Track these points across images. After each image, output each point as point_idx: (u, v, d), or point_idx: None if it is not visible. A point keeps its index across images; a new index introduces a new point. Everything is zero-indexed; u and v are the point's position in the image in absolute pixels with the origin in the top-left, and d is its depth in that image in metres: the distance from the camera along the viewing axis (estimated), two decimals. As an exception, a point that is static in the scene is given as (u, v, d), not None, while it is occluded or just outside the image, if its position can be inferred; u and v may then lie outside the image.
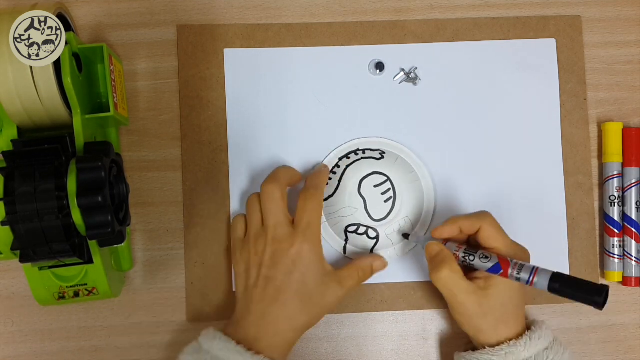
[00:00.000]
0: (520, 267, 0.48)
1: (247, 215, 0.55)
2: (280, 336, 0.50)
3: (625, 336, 0.59)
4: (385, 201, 0.57)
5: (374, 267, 0.55)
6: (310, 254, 0.51)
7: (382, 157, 0.57)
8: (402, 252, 0.58)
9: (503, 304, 0.51)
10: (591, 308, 0.59)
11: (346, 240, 0.57)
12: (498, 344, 0.50)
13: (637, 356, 0.59)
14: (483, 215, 0.52)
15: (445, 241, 0.53)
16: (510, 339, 0.51)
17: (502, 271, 0.49)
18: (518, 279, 0.48)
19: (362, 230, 0.57)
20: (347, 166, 0.57)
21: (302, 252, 0.51)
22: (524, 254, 0.53)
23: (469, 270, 0.52)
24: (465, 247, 0.52)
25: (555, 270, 0.48)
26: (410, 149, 0.58)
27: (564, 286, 0.46)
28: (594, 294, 0.44)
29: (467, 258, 0.51)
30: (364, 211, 0.57)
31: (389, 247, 0.57)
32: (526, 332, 0.51)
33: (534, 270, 0.48)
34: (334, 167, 0.58)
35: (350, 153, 0.58)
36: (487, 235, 0.51)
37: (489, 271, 0.50)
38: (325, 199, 0.57)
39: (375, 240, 0.57)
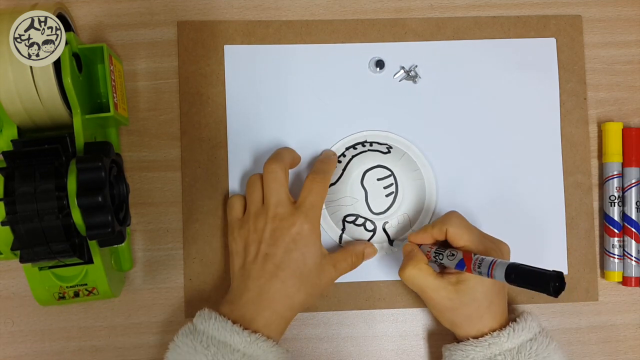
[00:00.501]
0: (480, 262, 0.48)
1: (248, 194, 0.55)
2: (278, 314, 0.51)
3: (625, 336, 0.59)
4: (387, 195, 0.57)
5: (365, 254, 0.56)
6: (311, 234, 0.52)
7: (389, 152, 0.57)
8: (396, 247, 0.58)
9: (475, 298, 0.51)
10: (591, 308, 0.59)
11: (343, 229, 0.57)
12: (480, 335, 0.51)
13: (637, 356, 0.59)
14: (447, 217, 0.53)
15: (419, 245, 0.54)
16: (494, 330, 0.51)
17: (465, 267, 0.49)
18: (480, 273, 0.48)
19: (360, 221, 0.57)
20: (353, 156, 0.57)
21: (303, 231, 0.51)
22: (498, 247, 0.53)
23: (445, 267, 0.53)
24: (437, 247, 0.53)
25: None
26: (418, 147, 0.58)
27: (519, 276, 0.45)
28: (547, 282, 0.43)
29: (437, 257, 0.52)
30: (364, 203, 0.57)
31: (384, 242, 0.58)
32: (510, 324, 0.51)
33: (492, 263, 0.47)
34: (340, 156, 0.58)
35: (357, 144, 0.58)
36: (453, 235, 0.52)
37: (456, 268, 0.50)
38: (330, 185, 0.57)
39: (372, 233, 0.57)
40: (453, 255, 0.51)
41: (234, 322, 0.49)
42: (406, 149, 0.58)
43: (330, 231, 0.58)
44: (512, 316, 0.53)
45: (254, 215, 0.53)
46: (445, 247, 0.52)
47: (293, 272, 0.51)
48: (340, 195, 0.57)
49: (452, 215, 0.53)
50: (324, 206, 0.57)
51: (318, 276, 0.52)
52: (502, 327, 0.51)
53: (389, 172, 0.57)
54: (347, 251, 0.55)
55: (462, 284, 0.51)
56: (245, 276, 0.52)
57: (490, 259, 0.48)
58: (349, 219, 0.57)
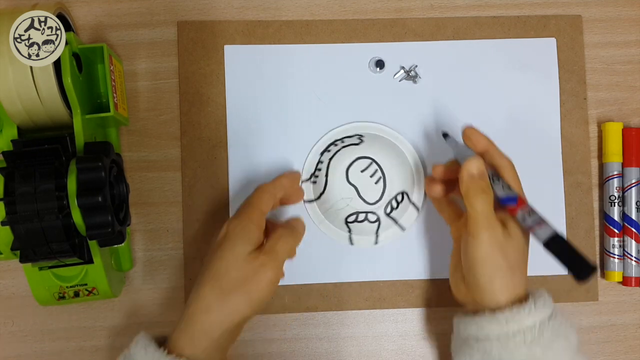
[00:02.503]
0: (531, 211, 0.47)
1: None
2: (197, 325, 0.45)
3: (625, 336, 0.59)
4: (376, 182, 0.57)
5: (295, 229, 0.51)
6: (235, 238, 0.47)
7: (362, 141, 0.57)
8: (406, 226, 0.58)
9: (518, 249, 0.47)
10: (591, 308, 0.59)
11: (349, 231, 0.57)
12: (498, 308, 0.46)
13: (637, 356, 0.59)
14: (509, 159, 0.50)
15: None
16: (512, 304, 0.46)
17: (516, 204, 0.47)
18: (524, 220, 0.46)
19: (361, 217, 0.57)
20: (330, 159, 0.57)
21: (228, 234, 0.47)
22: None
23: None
24: (493, 172, 0.49)
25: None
26: (384, 124, 0.58)
27: (559, 246, 0.45)
28: (582, 267, 0.43)
29: (493, 179, 0.48)
30: (358, 198, 0.57)
31: (392, 226, 0.58)
32: (530, 298, 0.47)
33: (541, 220, 0.46)
34: (317, 164, 0.58)
35: (329, 145, 0.58)
36: (510, 176, 0.49)
37: (504, 200, 0.47)
38: (317, 198, 0.57)
39: (377, 223, 0.57)
40: (509, 188, 0.48)
41: (164, 345, 0.46)
42: (376, 131, 0.58)
43: (338, 237, 0.58)
44: (527, 293, 0.49)
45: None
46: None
47: (207, 271, 0.47)
48: (334, 201, 0.57)
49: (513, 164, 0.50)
50: (324, 218, 0.57)
51: (241, 271, 0.46)
52: (520, 299, 0.47)
53: (370, 160, 0.57)
54: (271, 243, 0.48)
55: (508, 229, 0.47)
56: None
57: (540, 218, 0.46)
58: (350, 218, 0.57)
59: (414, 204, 0.58)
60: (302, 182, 0.58)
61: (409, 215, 0.58)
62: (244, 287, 0.46)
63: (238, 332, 0.48)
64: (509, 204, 0.48)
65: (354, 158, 0.57)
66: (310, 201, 0.58)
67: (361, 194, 0.57)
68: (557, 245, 0.45)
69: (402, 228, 0.58)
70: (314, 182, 0.57)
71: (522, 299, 0.47)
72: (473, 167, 0.48)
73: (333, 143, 0.58)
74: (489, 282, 0.47)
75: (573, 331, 0.47)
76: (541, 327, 0.45)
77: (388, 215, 0.57)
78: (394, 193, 0.57)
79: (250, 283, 0.46)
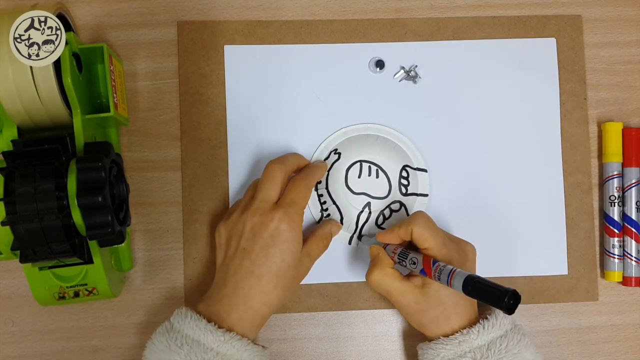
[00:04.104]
0: (440, 271, 0.49)
1: (247, 190, 0.55)
2: (253, 310, 0.50)
3: (625, 336, 0.59)
4: (377, 177, 0.58)
5: (332, 233, 0.56)
6: (289, 231, 0.51)
7: (340, 153, 0.58)
8: (427, 192, 0.58)
9: (440, 301, 0.51)
10: (591, 308, 0.59)
11: (383, 221, 0.58)
12: (451, 334, 0.51)
13: (637, 356, 0.59)
14: (413, 218, 0.52)
15: (386, 245, 0.54)
16: (464, 328, 0.51)
17: (427, 274, 0.50)
18: (440, 281, 0.49)
19: (387, 213, 0.58)
20: (327, 188, 0.58)
21: (280, 228, 0.50)
22: (464, 249, 0.54)
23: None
24: (401, 250, 0.53)
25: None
26: (368, 122, 0.59)
27: (475, 289, 0.46)
28: (501, 298, 0.44)
29: (401, 261, 0.53)
30: (373, 199, 0.58)
31: (415, 200, 0.58)
32: (480, 321, 0.51)
33: (452, 272, 0.48)
34: (319, 198, 0.58)
35: (324, 160, 0.58)
36: (418, 237, 0.51)
37: (420, 273, 0.51)
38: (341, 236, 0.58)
39: (403, 208, 0.58)
40: (414, 262, 0.51)
41: (209, 320, 0.49)
42: (344, 136, 0.58)
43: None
44: (486, 313, 0.53)
45: (241, 209, 0.53)
46: (411, 249, 0.53)
47: (269, 269, 0.50)
48: (355, 218, 0.58)
49: (418, 216, 0.52)
50: (355, 239, 0.58)
51: (296, 271, 0.52)
52: (473, 324, 0.52)
53: (358, 163, 0.58)
54: (316, 236, 0.54)
55: (427, 287, 0.51)
56: (224, 271, 0.51)
57: (450, 268, 0.48)
58: (379, 221, 0.58)
59: (419, 169, 0.58)
60: (317, 221, 0.58)
61: (422, 180, 0.58)
62: (296, 274, 0.52)
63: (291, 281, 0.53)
64: (424, 275, 0.51)
65: (344, 172, 0.58)
66: None
67: (372, 194, 0.57)
68: (473, 287, 0.46)
69: (425, 195, 0.58)
70: (329, 216, 0.58)
71: (474, 323, 0.52)
72: (372, 252, 0.55)
73: (328, 156, 0.58)
74: (427, 329, 0.53)
75: (529, 349, 0.52)
76: (489, 346, 0.50)
77: (406, 194, 0.58)
78: (397, 173, 0.58)
79: (298, 272, 0.52)
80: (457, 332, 0.51)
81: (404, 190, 0.58)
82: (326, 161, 0.58)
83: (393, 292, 0.52)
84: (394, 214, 0.58)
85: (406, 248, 0.53)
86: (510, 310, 0.44)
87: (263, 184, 0.52)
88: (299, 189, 0.53)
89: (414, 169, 0.58)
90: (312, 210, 0.58)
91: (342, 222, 0.58)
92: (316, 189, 0.58)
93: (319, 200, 0.58)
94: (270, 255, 0.50)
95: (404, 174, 0.58)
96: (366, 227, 0.58)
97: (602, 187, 0.60)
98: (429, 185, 0.58)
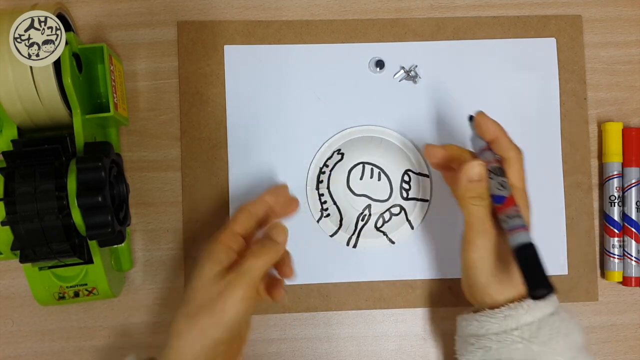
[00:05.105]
0: (513, 216, 0.45)
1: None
2: (176, 357, 0.45)
3: (625, 336, 0.59)
4: (379, 180, 0.58)
5: (270, 243, 0.48)
6: (201, 263, 0.47)
7: (343, 154, 0.58)
8: (428, 197, 0.58)
9: (502, 258, 0.47)
10: (591, 308, 0.59)
11: (385, 234, 0.58)
12: (496, 306, 0.47)
13: (637, 356, 0.59)
14: (518, 150, 0.49)
15: (488, 148, 0.50)
16: (512, 301, 0.47)
17: (502, 205, 0.46)
18: (504, 222, 0.46)
19: (387, 216, 0.58)
20: (328, 187, 0.58)
21: (197, 264, 0.47)
22: (527, 208, 0.49)
23: None
24: (497, 166, 0.48)
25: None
26: (355, 125, 0.59)
27: (522, 258, 0.43)
28: (539, 285, 0.42)
29: (493, 173, 0.48)
30: (374, 202, 0.58)
31: (416, 205, 0.58)
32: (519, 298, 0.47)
33: (520, 227, 0.45)
34: (320, 198, 0.58)
35: (319, 175, 0.58)
36: (514, 170, 0.48)
37: (493, 198, 0.47)
38: (340, 226, 0.58)
39: (402, 212, 0.58)
40: (502, 187, 0.47)
41: None
42: (348, 136, 0.58)
43: (379, 245, 0.58)
44: None
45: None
46: (502, 172, 0.48)
47: (182, 309, 0.46)
48: (355, 219, 0.58)
49: (522, 154, 0.49)
50: (361, 238, 0.58)
51: (211, 304, 0.44)
52: (521, 297, 0.47)
53: (360, 165, 0.58)
54: (241, 260, 0.46)
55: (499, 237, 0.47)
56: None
57: (521, 222, 0.45)
58: (379, 223, 0.58)
59: (421, 174, 0.58)
60: (317, 220, 0.58)
61: (423, 186, 0.58)
62: (210, 307, 0.44)
63: (220, 356, 0.46)
64: (497, 203, 0.47)
65: (346, 173, 0.58)
66: (335, 233, 0.58)
67: (373, 197, 0.57)
68: (524, 255, 0.43)
69: (425, 200, 0.58)
70: (328, 216, 0.58)
71: (523, 297, 0.47)
72: (473, 173, 0.47)
73: (321, 171, 0.58)
74: (485, 285, 0.47)
75: (577, 330, 0.47)
76: (540, 324, 0.45)
77: (407, 199, 0.58)
78: (399, 177, 0.58)
79: (216, 303, 0.44)
80: (502, 305, 0.47)
81: (404, 195, 0.58)
82: (327, 163, 0.58)
83: (476, 212, 0.47)
84: (393, 217, 0.58)
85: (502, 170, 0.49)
86: (534, 297, 0.42)
87: (232, 218, 0.49)
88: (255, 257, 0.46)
89: (416, 173, 0.58)
90: (312, 209, 0.58)
91: (341, 223, 0.58)
92: (317, 188, 0.58)
93: (320, 199, 0.58)
94: (188, 283, 0.46)
95: (406, 178, 0.58)
96: (365, 229, 0.58)
97: (602, 187, 0.60)
98: (430, 190, 0.58)
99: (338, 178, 0.58)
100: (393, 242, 0.58)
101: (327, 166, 0.58)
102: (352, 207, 0.58)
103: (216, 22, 0.59)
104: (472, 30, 0.60)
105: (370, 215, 0.58)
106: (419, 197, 0.58)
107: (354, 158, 0.58)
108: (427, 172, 0.58)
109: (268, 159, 0.58)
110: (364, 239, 0.58)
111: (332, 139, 0.58)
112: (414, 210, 0.58)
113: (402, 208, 0.58)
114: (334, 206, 0.57)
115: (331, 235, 0.58)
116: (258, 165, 0.58)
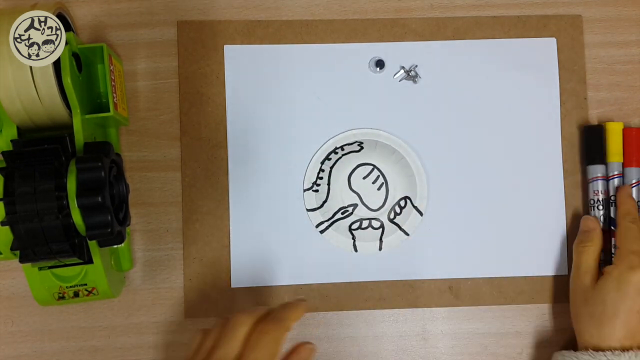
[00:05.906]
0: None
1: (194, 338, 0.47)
2: None
3: (625, 336, 0.59)
4: (378, 189, 0.57)
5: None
6: None
7: (362, 148, 0.57)
8: (411, 231, 0.58)
9: (603, 301, 0.50)
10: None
11: (353, 238, 0.57)
12: (600, 349, 0.49)
13: (637, 356, 0.59)
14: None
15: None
16: (616, 349, 0.48)
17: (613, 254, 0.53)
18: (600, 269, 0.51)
19: (365, 224, 0.57)
20: (331, 167, 0.57)
21: None
22: None
23: None
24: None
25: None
26: (385, 131, 0.58)
27: None
28: None
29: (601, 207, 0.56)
30: (362, 205, 0.57)
31: (396, 231, 0.58)
32: (636, 350, 0.48)
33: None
34: (319, 173, 0.58)
35: (330, 154, 0.58)
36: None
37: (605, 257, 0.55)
38: (320, 206, 0.57)
39: (380, 230, 0.57)
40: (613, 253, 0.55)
41: None
42: (376, 137, 0.58)
43: (343, 245, 0.58)
44: None
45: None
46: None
47: None
48: (336, 209, 0.57)
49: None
50: (329, 226, 0.57)
51: None
52: (624, 348, 0.48)
53: (371, 167, 0.57)
54: None
55: (601, 279, 0.51)
56: None
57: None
58: (354, 226, 0.57)
59: (417, 208, 0.58)
60: (304, 190, 0.58)
61: (412, 220, 0.58)
62: None
63: None
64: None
65: (355, 165, 0.57)
66: (313, 210, 0.57)
67: (364, 200, 0.57)
68: None
69: (407, 233, 0.58)
70: (316, 191, 0.57)
71: (633, 348, 0.48)
72: (588, 225, 0.55)
73: (333, 151, 0.58)
74: (578, 329, 0.51)
75: None
76: None
77: (392, 221, 0.57)
78: (396, 198, 0.57)
79: None
80: (605, 349, 0.48)
81: (391, 216, 0.57)
82: (344, 147, 0.57)
83: (584, 262, 0.53)
84: (369, 229, 0.58)
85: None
86: None
87: (223, 339, 0.43)
88: (264, 345, 0.42)
89: (413, 205, 0.58)
90: (306, 177, 0.58)
91: (322, 205, 0.57)
92: (322, 162, 0.58)
93: (318, 173, 0.58)
94: None
95: (402, 203, 0.58)
96: (339, 224, 0.57)
97: (602, 187, 0.60)
98: (416, 227, 0.58)
99: (345, 165, 0.57)
100: (357, 250, 0.58)
101: (342, 149, 0.58)
102: (341, 198, 0.57)
103: (216, 22, 0.59)
104: (472, 30, 0.60)
105: (351, 214, 0.57)
106: (402, 227, 0.58)
107: (370, 157, 0.57)
108: (422, 210, 0.58)
109: (268, 158, 0.58)
110: (360, 242, 0.58)
111: (332, 139, 0.58)
112: (392, 235, 0.58)
113: (382, 226, 0.57)
114: (326, 186, 0.57)
115: (308, 210, 0.57)
116: (258, 165, 0.58)
